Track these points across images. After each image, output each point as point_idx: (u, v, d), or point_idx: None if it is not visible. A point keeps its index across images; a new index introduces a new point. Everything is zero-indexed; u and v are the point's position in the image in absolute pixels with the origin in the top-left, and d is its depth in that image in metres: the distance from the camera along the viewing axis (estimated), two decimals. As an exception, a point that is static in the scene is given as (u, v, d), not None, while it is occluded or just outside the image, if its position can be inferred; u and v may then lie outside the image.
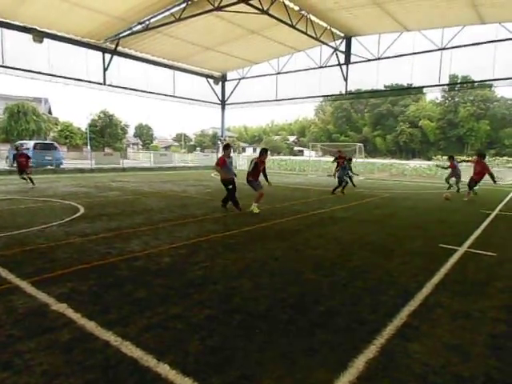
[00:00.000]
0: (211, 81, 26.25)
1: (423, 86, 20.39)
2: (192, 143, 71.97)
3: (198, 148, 64.11)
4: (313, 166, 27.16)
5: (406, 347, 2.62)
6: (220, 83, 26.88)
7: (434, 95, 70.91)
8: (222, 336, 2.73)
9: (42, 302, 3.23)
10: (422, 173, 23.79)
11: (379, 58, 19.48)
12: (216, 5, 14.27)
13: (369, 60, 19.84)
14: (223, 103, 27.50)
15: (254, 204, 8.35)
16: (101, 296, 3.42)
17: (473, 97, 61.34)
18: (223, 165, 8.44)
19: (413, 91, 29.00)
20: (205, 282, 3.85)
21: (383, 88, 23.86)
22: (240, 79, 25.94)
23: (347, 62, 20.60)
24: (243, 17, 15.48)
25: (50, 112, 46.08)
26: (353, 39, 20.16)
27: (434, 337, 2.79)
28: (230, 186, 8.37)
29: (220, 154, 27.96)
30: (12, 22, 15.78)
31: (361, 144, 25.16)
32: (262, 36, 19.11)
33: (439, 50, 17.78)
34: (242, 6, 13.96)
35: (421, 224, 7.56)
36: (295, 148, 78.09)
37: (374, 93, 23.63)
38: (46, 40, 16.97)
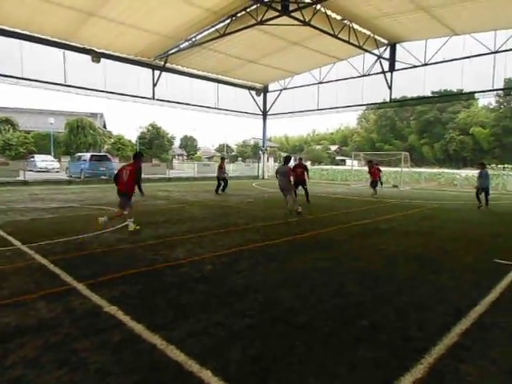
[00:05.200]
0: (253, 92, 26.72)
1: (475, 92, 19.24)
2: (234, 153, 73.29)
3: (239, 158, 65.10)
4: (355, 176, 26.52)
5: (457, 368, 2.48)
6: (262, 94, 27.29)
7: (486, 101, 66.61)
8: (263, 345, 2.75)
9: (96, 303, 3.45)
10: (474, 182, 22.30)
11: (426, 64, 18.76)
12: (259, 19, 14.60)
13: (415, 66, 19.17)
14: (265, 114, 27.83)
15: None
16: (148, 300, 3.58)
17: (532, 101, 56.86)
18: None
19: (463, 97, 27.40)
20: (246, 291, 3.89)
21: (430, 94, 22.80)
22: (281, 90, 26.16)
23: (391, 69, 20.05)
24: (285, 29, 15.69)
25: (104, 126, 49.27)
26: (397, 46, 19.62)
27: (489, 359, 2.61)
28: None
29: (261, 164, 27.83)
30: (72, 44, 17.22)
31: (406, 153, 24.17)
32: (304, 47, 19.21)
33: (492, 53, 16.76)
34: (284, 19, 14.18)
35: (473, 237, 7.11)
36: (337, 157, 76.74)
37: (420, 100, 22.74)
38: (102, 60, 18.31)
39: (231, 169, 32.84)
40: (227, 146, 74.88)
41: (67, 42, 17.00)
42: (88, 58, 17.74)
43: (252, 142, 69.00)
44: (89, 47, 17.56)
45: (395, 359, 2.58)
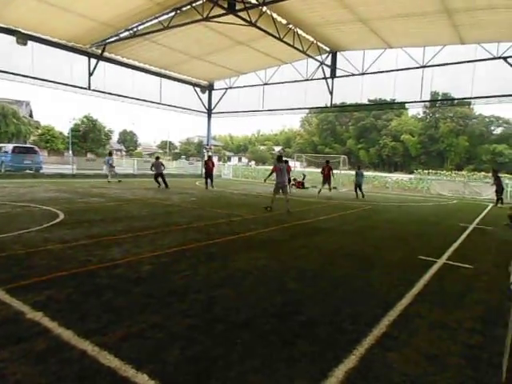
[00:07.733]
0: (198, 89, 26.30)
1: (405, 102, 20.96)
2: (177, 151, 71.55)
3: (183, 156, 63.71)
4: (297, 177, 27.35)
5: (384, 357, 2.66)
6: (207, 92, 26.97)
7: (415, 111, 72.97)
8: (203, 346, 2.70)
9: (17, 309, 3.13)
10: (403, 186, 24.31)
11: (363, 73, 19.97)
12: (204, 15, 14.39)
13: (353, 74, 20.32)
14: (209, 112, 27.54)
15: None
16: (79, 304, 3.33)
17: (452, 113, 63.52)
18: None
19: (395, 106, 29.78)
20: (186, 291, 3.80)
21: (367, 102, 24.36)
22: (227, 89, 26.10)
23: (333, 75, 21.03)
24: (231, 28, 15.66)
25: (31, 115, 45.04)
26: (338, 54, 20.63)
27: (412, 346, 2.84)
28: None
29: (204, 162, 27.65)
30: (-5, 23, 15.49)
31: (345, 156, 25.62)
32: (250, 47, 19.35)
33: (421, 67, 18.37)
34: (230, 18, 14.13)
35: (401, 236, 7.72)
36: (280, 158, 78.49)
37: (358, 106, 24.15)
38: (30, 43, 16.70)
39: (174, 166, 32.07)
40: (170, 142, 72.90)
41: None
42: (12, 39, 16.05)
43: (196, 139, 68.06)
44: (14, 28, 15.91)
45: (331, 352, 2.69)
